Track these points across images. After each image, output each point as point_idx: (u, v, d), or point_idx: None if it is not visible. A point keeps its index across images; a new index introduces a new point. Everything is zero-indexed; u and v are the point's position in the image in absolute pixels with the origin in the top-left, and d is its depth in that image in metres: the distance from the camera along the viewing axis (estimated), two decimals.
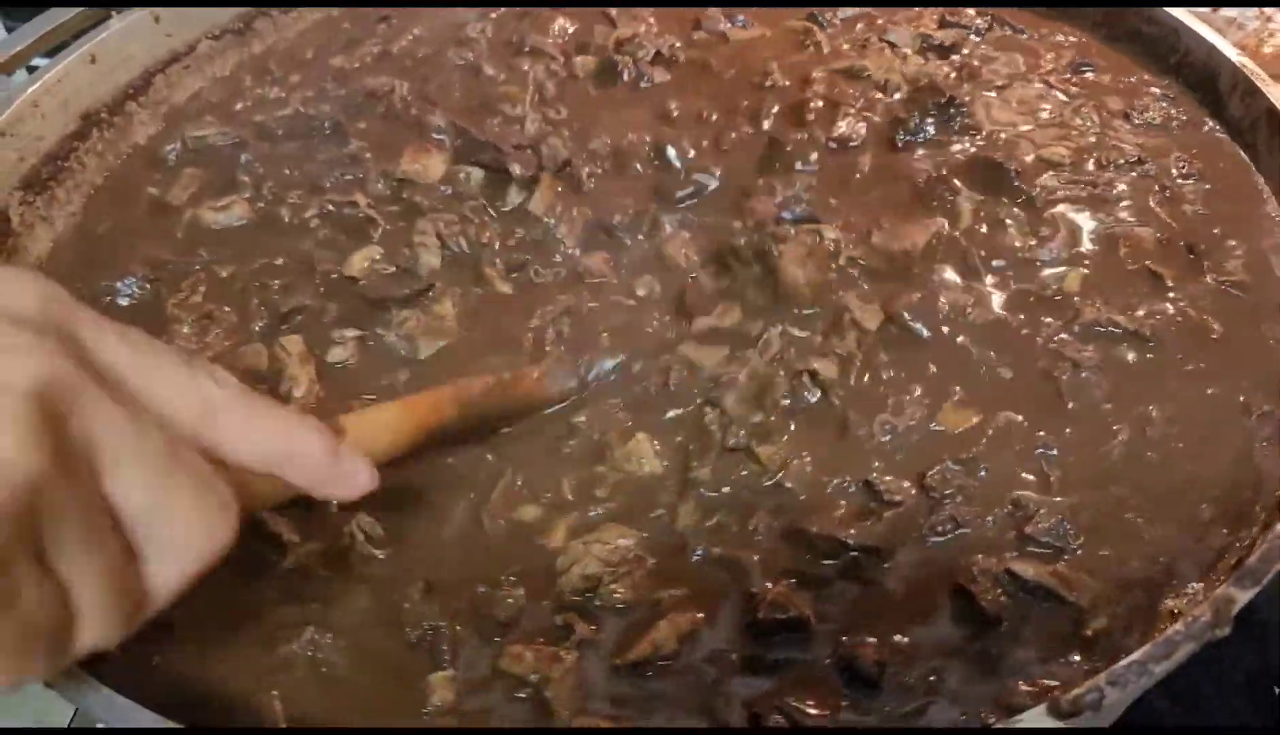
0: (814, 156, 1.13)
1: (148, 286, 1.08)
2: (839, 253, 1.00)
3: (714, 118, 1.21)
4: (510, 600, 0.80)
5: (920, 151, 1.13)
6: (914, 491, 0.85)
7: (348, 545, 0.84)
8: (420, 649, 0.78)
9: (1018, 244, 1.03)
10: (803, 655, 0.76)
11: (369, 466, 0.66)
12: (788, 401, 0.91)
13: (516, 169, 1.11)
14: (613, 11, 1.39)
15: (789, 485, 0.86)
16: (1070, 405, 0.90)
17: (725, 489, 0.86)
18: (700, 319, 0.96)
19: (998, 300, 0.99)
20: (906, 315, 0.96)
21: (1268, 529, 0.76)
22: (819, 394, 0.92)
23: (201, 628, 0.78)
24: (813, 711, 0.73)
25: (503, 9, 1.44)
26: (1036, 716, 0.65)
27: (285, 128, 1.27)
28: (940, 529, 0.83)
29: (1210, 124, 1.17)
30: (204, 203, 1.17)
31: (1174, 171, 1.10)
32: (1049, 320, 0.96)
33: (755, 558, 0.81)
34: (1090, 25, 1.32)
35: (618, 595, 0.80)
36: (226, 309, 1.04)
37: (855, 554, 0.81)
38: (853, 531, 0.82)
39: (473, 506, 0.86)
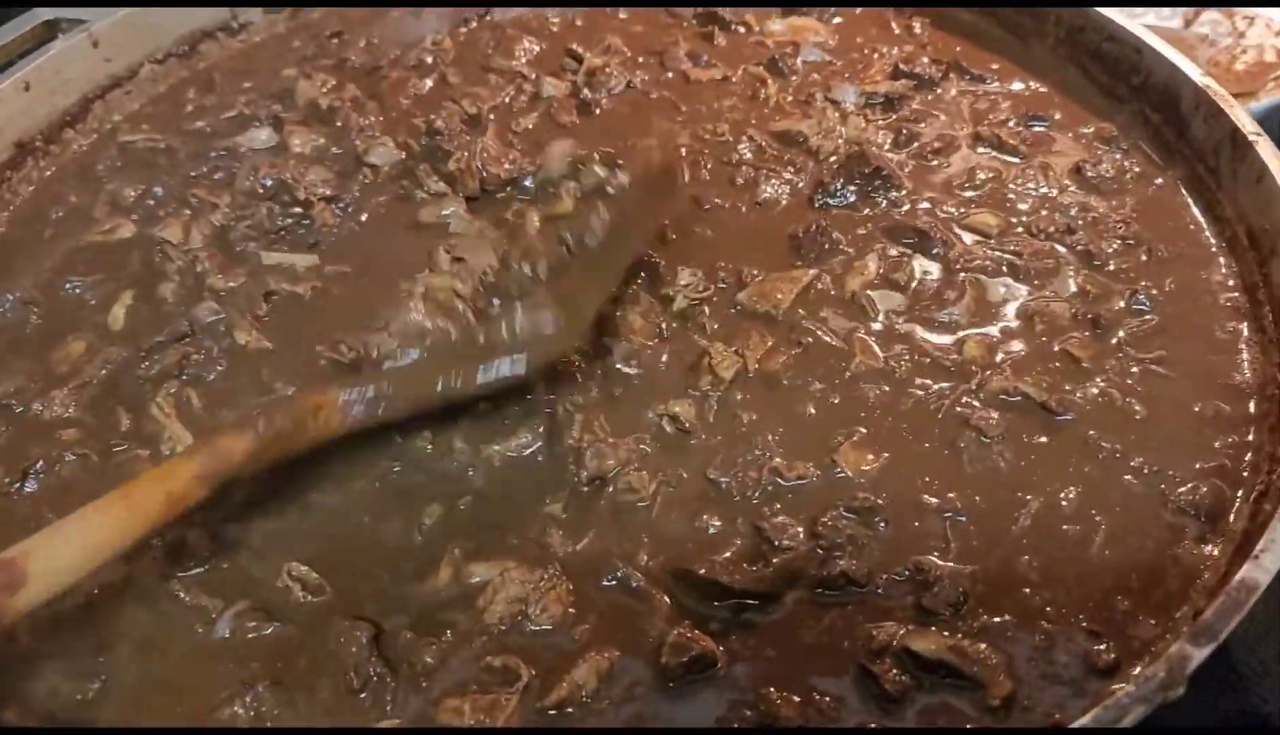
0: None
1: (20, 307, 1.07)
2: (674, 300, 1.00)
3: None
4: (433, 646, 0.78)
5: (835, 213, 1.10)
6: (804, 538, 0.82)
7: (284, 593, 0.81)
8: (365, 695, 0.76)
9: (918, 304, 1.00)
10: (719, 703, 0.74)
11: None
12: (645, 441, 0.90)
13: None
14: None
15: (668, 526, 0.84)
16: (969, 469, 0.87)
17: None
18: None
19: (883, 353, 0.96)
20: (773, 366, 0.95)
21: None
22: (679, 431, 0.90)
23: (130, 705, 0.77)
24: None
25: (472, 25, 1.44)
26: None
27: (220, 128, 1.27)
28: (834, 584, 0.79)
29: (1160, 180, 1.13)
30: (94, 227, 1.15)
31: (1108, 246, 1.05)
32: (945, 384, 0.93)
33: (655, 593, 0.80)
34: (1052, 45, 1.29)
35: (546, 614, 0.78)
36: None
37: (742, 600, 0.79)
38: (738, 577, 0.79)
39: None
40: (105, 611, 0.81)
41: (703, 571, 0.79)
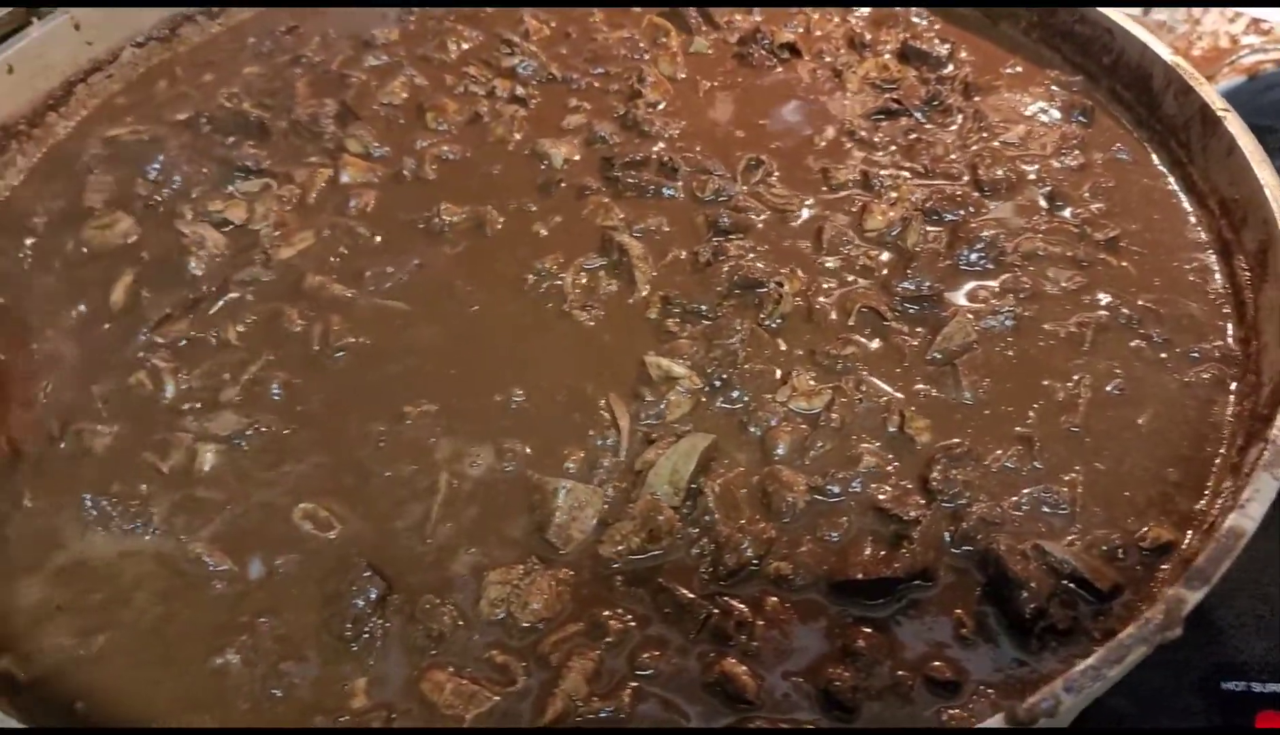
0: None
1: None
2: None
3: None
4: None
5: None
6: (921, 499, 0.84)
7: None
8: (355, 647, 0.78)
9: None
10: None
11: None
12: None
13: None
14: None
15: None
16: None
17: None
18: None
19: None
20: None
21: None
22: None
23: (126, 659, 0.78)
24: None
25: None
26: (994, 727, 0.65)
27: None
28: (976, 536, 0.82)
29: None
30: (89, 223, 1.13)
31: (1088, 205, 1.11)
32: None
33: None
34: (1024, 28, 1.33)
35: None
36: None
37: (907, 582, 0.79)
38: (896, 565, 0.79)
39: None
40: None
41: (860, 576, 0.79)
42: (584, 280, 1.03)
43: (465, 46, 1.38)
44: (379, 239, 1.10)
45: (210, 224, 1.10)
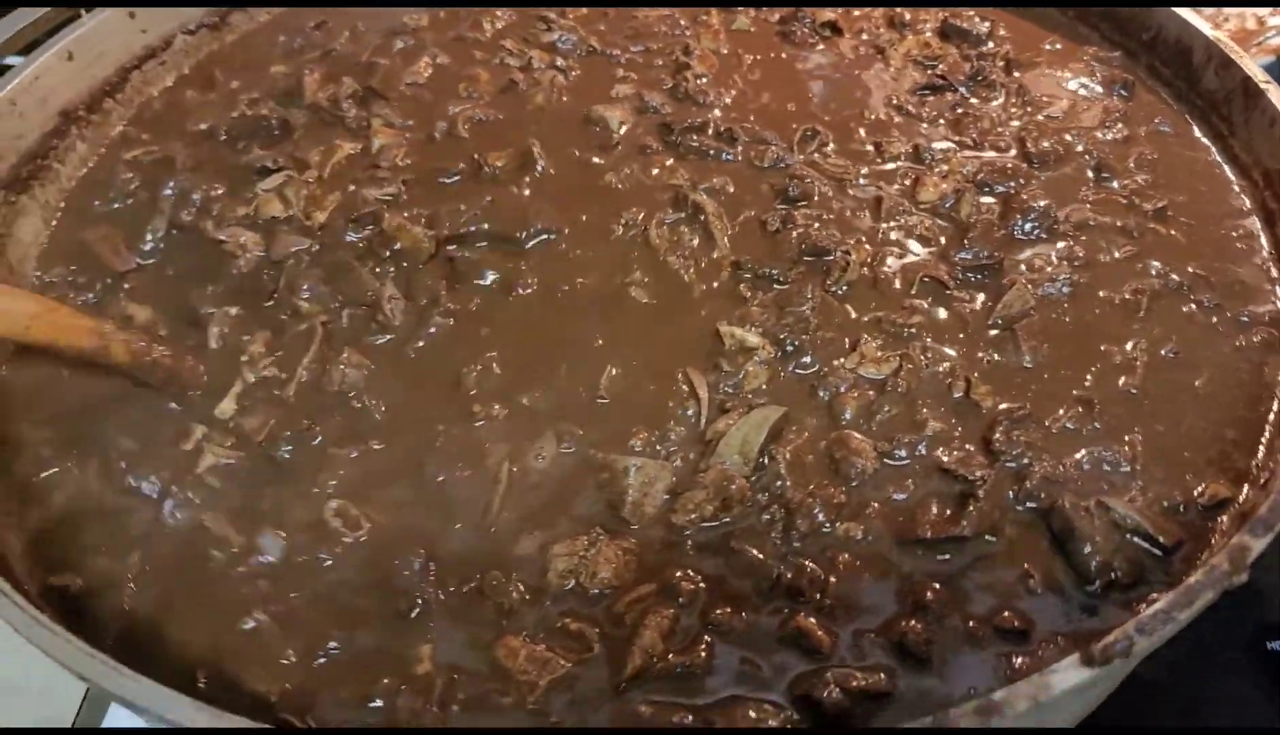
0: None
1: None
2: None
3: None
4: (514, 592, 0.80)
5: None
6: (985, 459, 0.87)
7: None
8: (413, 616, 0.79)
9: None
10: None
11: None
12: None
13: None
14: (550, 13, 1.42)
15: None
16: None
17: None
18: None
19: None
20: None
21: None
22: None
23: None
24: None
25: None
26: (1069, 666, 0.67)
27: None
28: (1040, 494, 0.84)
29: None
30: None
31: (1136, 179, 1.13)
32: None
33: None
34: (1061, 6, 1.35)
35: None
36: None
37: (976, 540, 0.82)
38: (965, 524, 0.82)
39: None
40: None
41: (929, 535, 0.82)
42: (667, 233, 1.06)
43: (500, 25, 1.40)
44: (419, 188, 1.13)
45: (242, 226, 1.10)
